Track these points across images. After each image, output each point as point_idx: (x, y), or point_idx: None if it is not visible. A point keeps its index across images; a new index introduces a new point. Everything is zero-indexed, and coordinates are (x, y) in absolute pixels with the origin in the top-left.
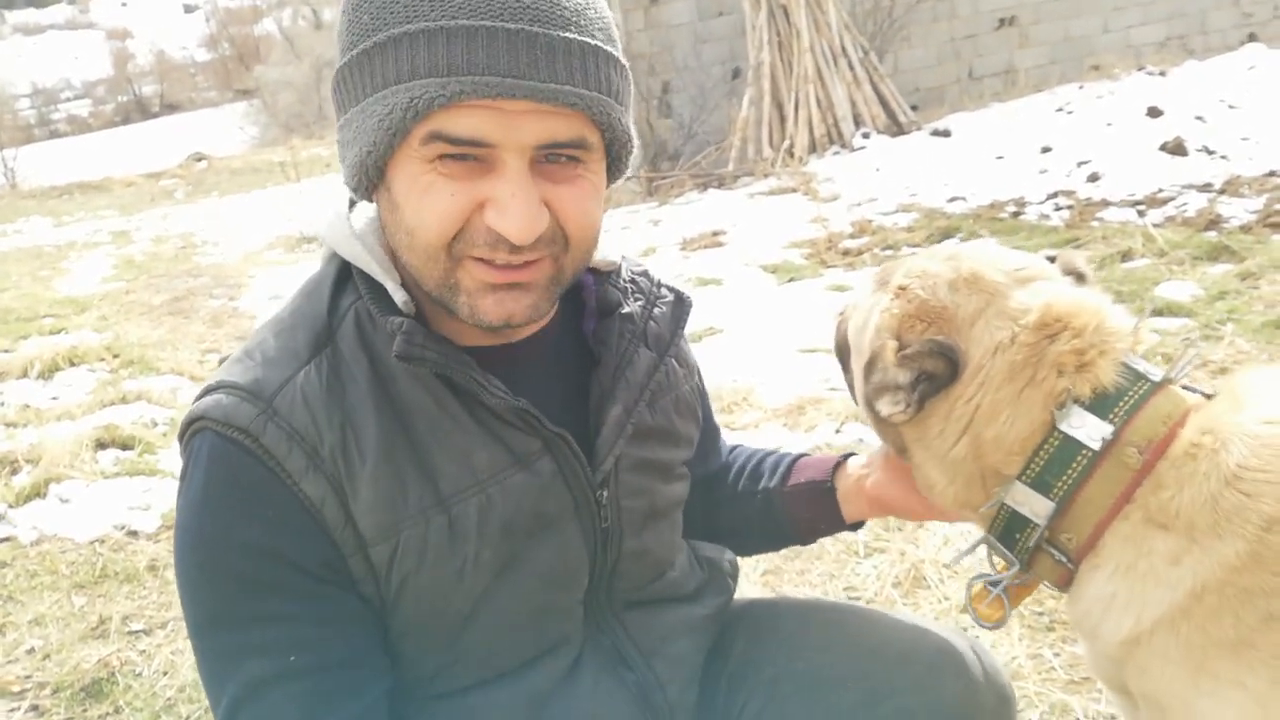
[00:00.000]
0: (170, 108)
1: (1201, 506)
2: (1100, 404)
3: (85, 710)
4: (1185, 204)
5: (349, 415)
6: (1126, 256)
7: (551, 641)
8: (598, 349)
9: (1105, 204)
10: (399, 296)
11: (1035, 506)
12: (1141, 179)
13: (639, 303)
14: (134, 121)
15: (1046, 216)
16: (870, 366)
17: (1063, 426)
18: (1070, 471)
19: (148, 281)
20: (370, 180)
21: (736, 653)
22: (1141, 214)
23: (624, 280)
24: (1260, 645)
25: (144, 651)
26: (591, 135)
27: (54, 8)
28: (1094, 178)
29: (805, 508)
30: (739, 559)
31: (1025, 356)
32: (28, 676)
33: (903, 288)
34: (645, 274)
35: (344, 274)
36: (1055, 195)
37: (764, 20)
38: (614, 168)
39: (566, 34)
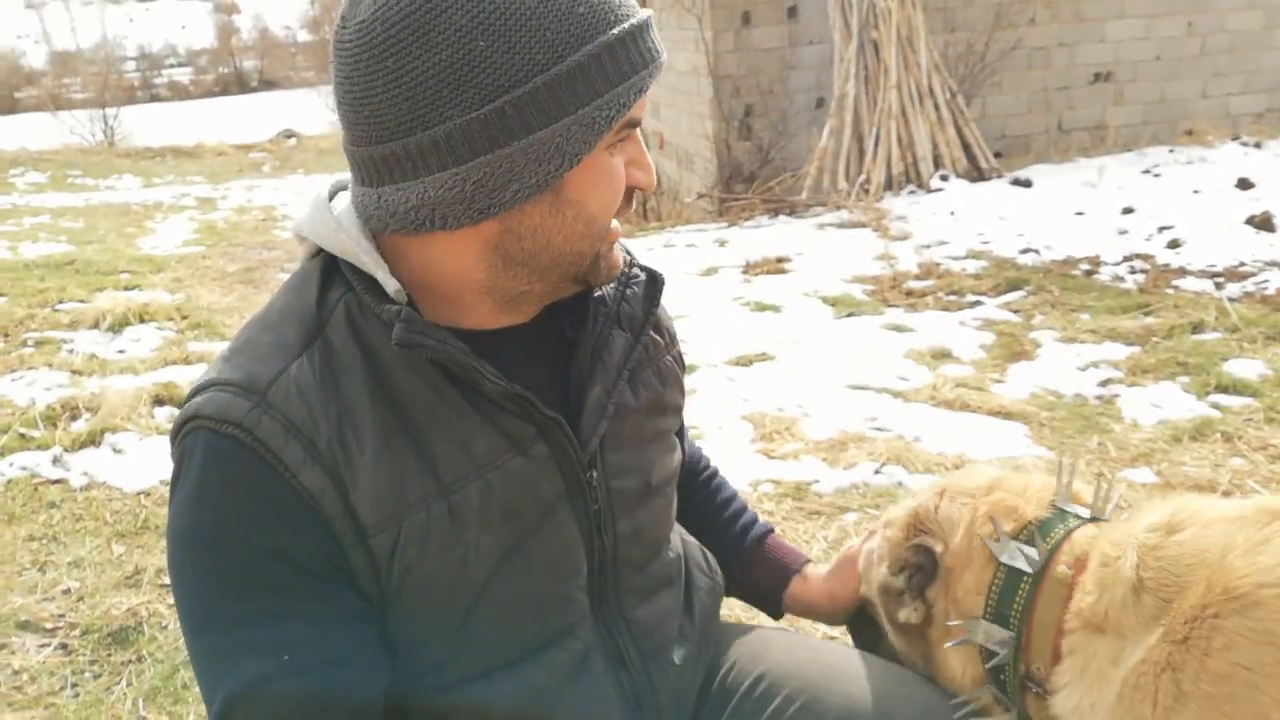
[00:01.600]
0: (268, 83)
1: (1120, 607)
2: (1031, 538)
3: (110, 655)
4: (1266, 281)
5: (345, 405)
6: (1198, 328)
7: (554, 633)
8: (573, 333)
9: (1183, 272)
10: (390, 285)
11: (997, 637)
12: (1223, 251)
13: (610, 286)
14: (232, 93)
15: (1120, 278)
16: (881, 593)
17: (1003, 559)
18: (1018, 598)
19: (225, 249)
20: (514, 205)
21: (726, 674)
22: (1219, 286)
23: None
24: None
25: (172, 605)
26: None
27: None
28: (1174, 244)
29: (759, 571)
30: None
31: (974, 517)
32: (60, 615)
33: (887, 523)
34: None
35: (330, 268)
36: (1132, 258)
37: (853, 53)
38: None
39: (648, 13)
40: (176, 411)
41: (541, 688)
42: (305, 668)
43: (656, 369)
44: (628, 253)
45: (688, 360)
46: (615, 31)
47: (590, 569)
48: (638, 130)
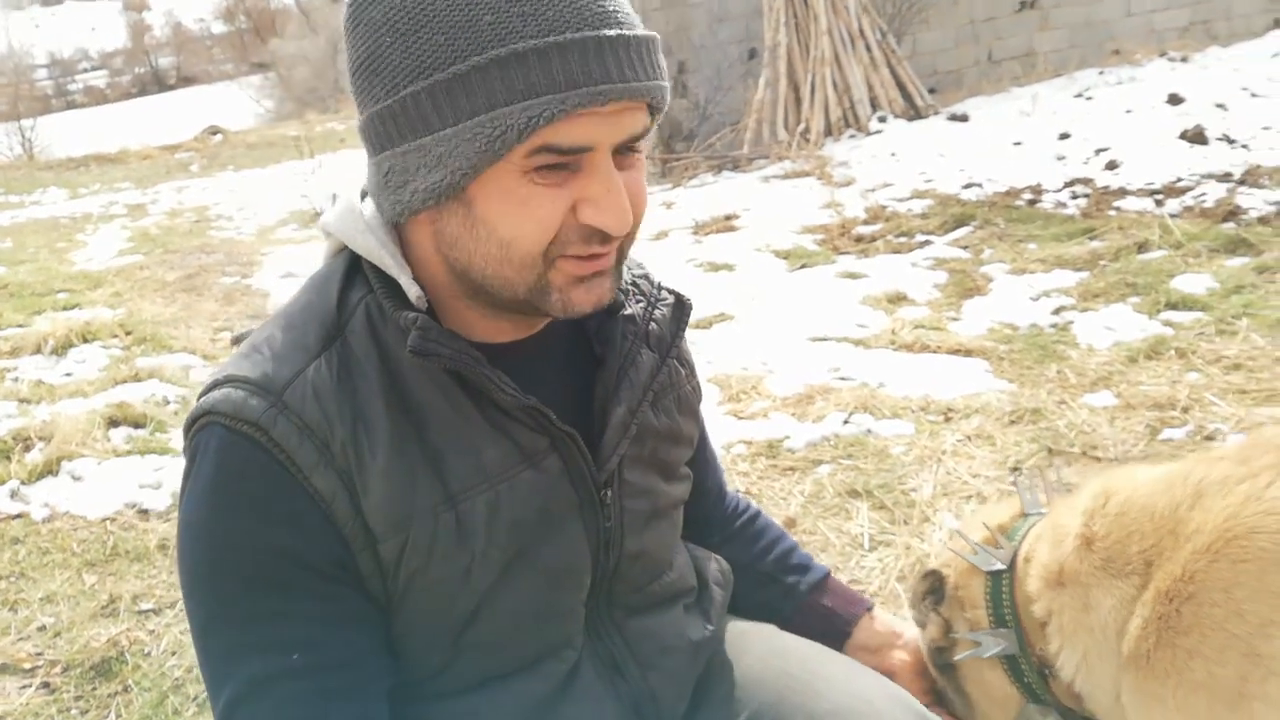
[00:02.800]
0: (186, 80)
1: (1074, 558)
2: (999, 542)
3: (95, 689)
4: (1204, 194)
5: (360, 410)
6: (1143, 248)
7: (553, 644)
8: (601, 349)
9: (1123, 193)
10: (413, 291)
11: (1001, 638)
12: (1160, 168)
13: (640, 304)
14: (150, 93)
15: (1063, 205)
16: (921, 636)
17: (983, 566)
18: (1004, 595)
19: (162, 257)
20: (435, 203)
21: (729, 678)
22: (1160, 203)
23: (626, 282)
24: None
25: (153, 631)
26: (649, 121)
27: None
28: (1112, 165)
29: (816, 622)
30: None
31: (960, 544)
32: (39, 654)
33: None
34: (646, 277)
35: (353, 268)
36: (1073, 183)
37: (780, 1)
38: None
39: (636, 31)
40: (133, 432)
41: (539, 698)
42: (312, 668)
43: (676, 397)
44: (645, 279)
45: None
46: (520, 45)
47: (592, 582)
48: (600, 161)
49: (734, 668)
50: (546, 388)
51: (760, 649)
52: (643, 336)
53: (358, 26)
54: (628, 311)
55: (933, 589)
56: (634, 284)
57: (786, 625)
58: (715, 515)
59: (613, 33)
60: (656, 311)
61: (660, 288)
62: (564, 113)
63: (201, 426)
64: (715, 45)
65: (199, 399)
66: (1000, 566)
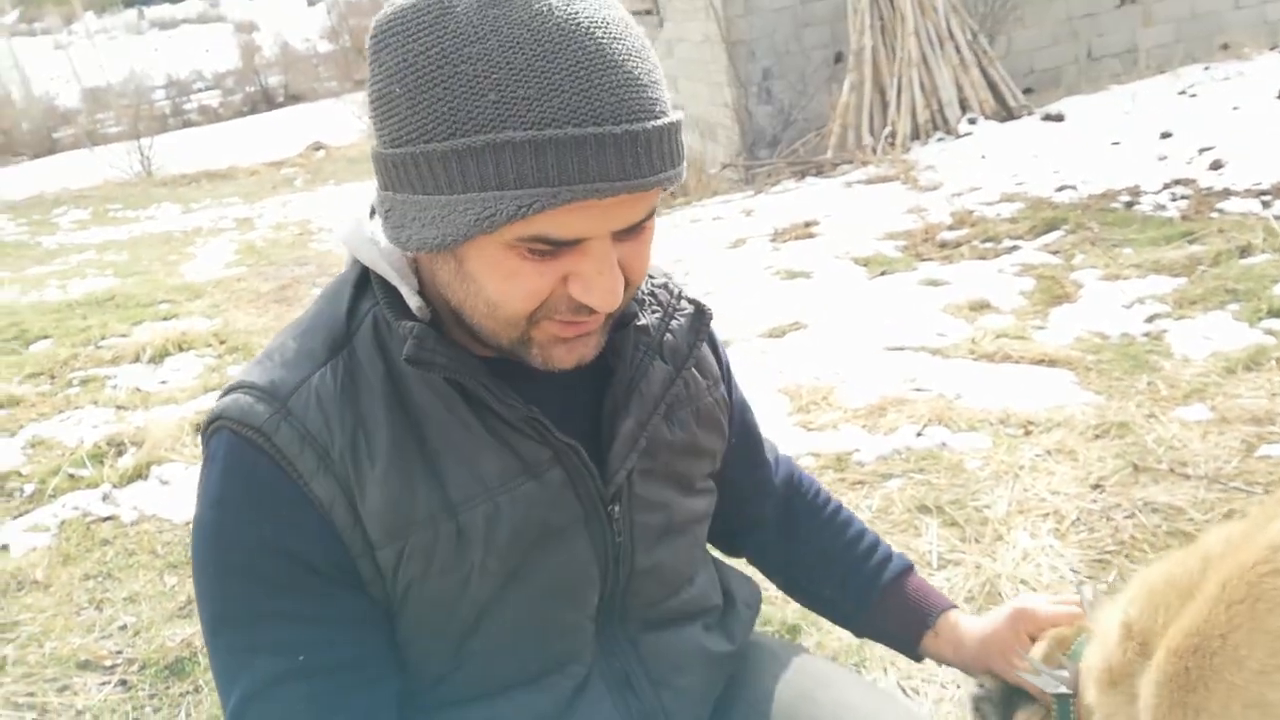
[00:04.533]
0: (294, 98)
1: (1119, 653)
2: (1061, 663)
3: (168, 688)
4: None
5: (361, 418)
6: (1246, 252)
7: (559, 659)
8: (612, 361)
9: (1227, 194)
10: (414, 302)
11: None
12: (1269, 167)
13: (656, 315)
14: (260, 111)
15: (1162, 207)
16: None
17: (1047, 690)
18: (1071, 718)
19: (261, 268)
20: (430, 252)
21: (747, 698)
22: (1266, 205)
23: (643, 292)
24: None
25: None
26: (656, 200)
27: (188, 2)
28: (1216, 165)
29: (890, 620)
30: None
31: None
32: (119, 652)
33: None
34: (665, 286)
35: (365, 278)
36: (1173, 184)
37: (866, 3)
38: None
39: (658, 122)
40: None
41: (543, 712)
42: (319, 669)
43: (695, 409)
44: (665, 288)
45: (721, 336)
46: (517, 135)
47: (600, 598)
48: (597, 245)
49: (753, 688)
50: (555, 399)
51: (780, 670)
52: (656, 348)
53: (374, 62)
54: (641, 322)
55: (1005, 701)
56: (651, 294)
57: (868, 613)
58: (797, 504)
59: (619, 129)
60: (673, 322)
61: (680, 297)
62: (554, 206)
63: (213, 431)
64: (800, 50)
65: (215, 403)
66: (1065, 690)
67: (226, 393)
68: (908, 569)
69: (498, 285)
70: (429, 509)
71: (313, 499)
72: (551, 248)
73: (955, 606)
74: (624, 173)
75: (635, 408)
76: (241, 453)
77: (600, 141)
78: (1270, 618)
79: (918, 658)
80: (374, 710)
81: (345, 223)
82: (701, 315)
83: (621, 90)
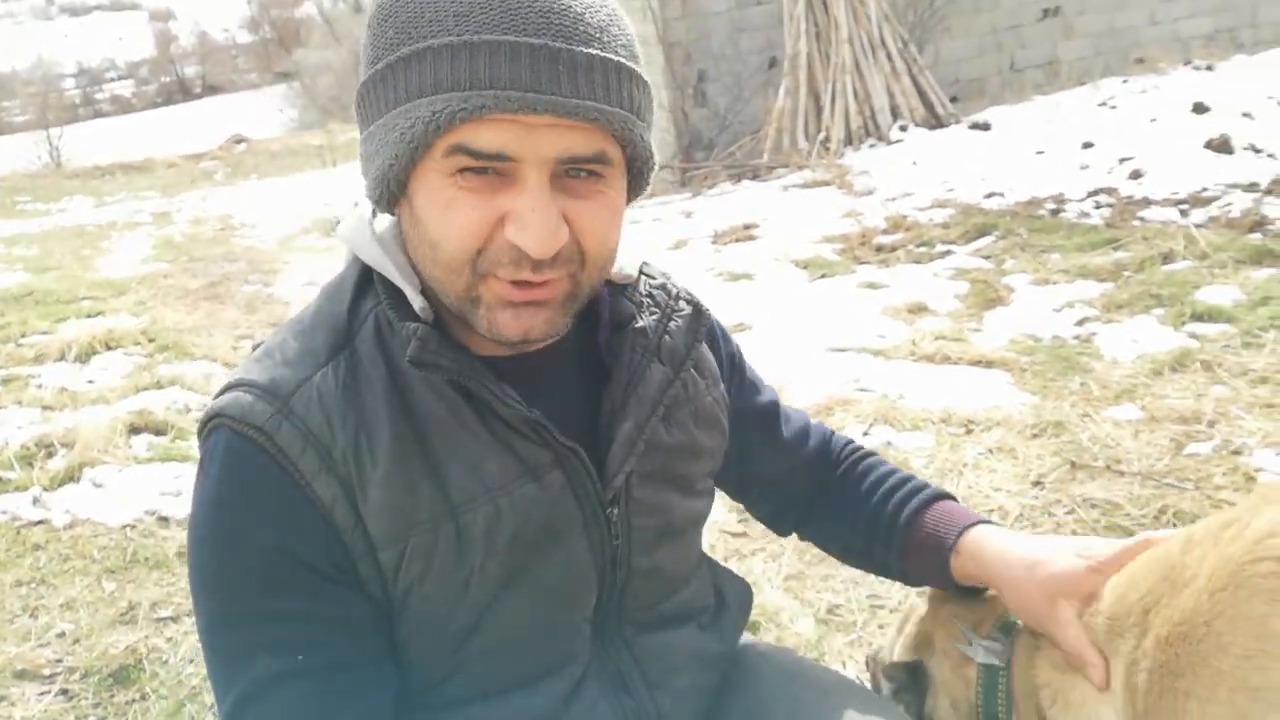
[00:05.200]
0: (212, 89)
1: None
2: (995, 634)
3: (113, 696)
4: (1230, 204)
5: (363, 418)
6: (1168, 258)
7: (556, 660)
8: (609, 363)
9: (1147, 202)
10: (417, 303)
11: None
12: (1185, 177)
13: (653, 316)
14: (176, 102)
15: (1087, 215)
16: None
17: (977, 659)
18: (1000, 690)
19: (185, 265)
20: (392, 193)
21: (743, 701)
22: (1184, 213)
23: (640, 293)
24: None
25: (171, 639)
26: (613, 150)
27: None
28: (1136, 175)
29: (923, 555)
30: (759, 572)
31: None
32: (58, 660)
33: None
34: (663, 287)
35: (366, 276)
36: (1096, 193)
37: (801, 10)
38: (634, 185)
39: (589, 50)
40: (154, 439)
41: (539, 713)
42: (319, 669)
43: (694, 410)
44: (663, 289)
45: None
46: (443, 40)
47: (598, 599)
48: (531, 178)
49: (749, 691)
50: (555, 402)
51: (776, 675)
52: (654, 350)
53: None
54: (639, 324)
55: (914, 682)
56: (649, 295)
57: (904, 558)
58: (828, 472)
59: (554, 43)
60: (671, 324)
61: (678, 298)
62: (466, 112)
63: (212, 429)
64: (735, 54)
65: (213, 400)
66: (999, 664)
67: (225, 390)
68: (932, 500)
69: (436, 220)
70: (430, 510)
71: (314, 500)
72: (482, 169)
73: (985, 521)
74: (538, 85)
75: (633, 410)
76: (242, 452)
77: (514, 49)
78: (1252, 604)
79: (962, 590)
80: (373, 711)
81: (346, 219)
82: (699, 316)
83: (553, 14)
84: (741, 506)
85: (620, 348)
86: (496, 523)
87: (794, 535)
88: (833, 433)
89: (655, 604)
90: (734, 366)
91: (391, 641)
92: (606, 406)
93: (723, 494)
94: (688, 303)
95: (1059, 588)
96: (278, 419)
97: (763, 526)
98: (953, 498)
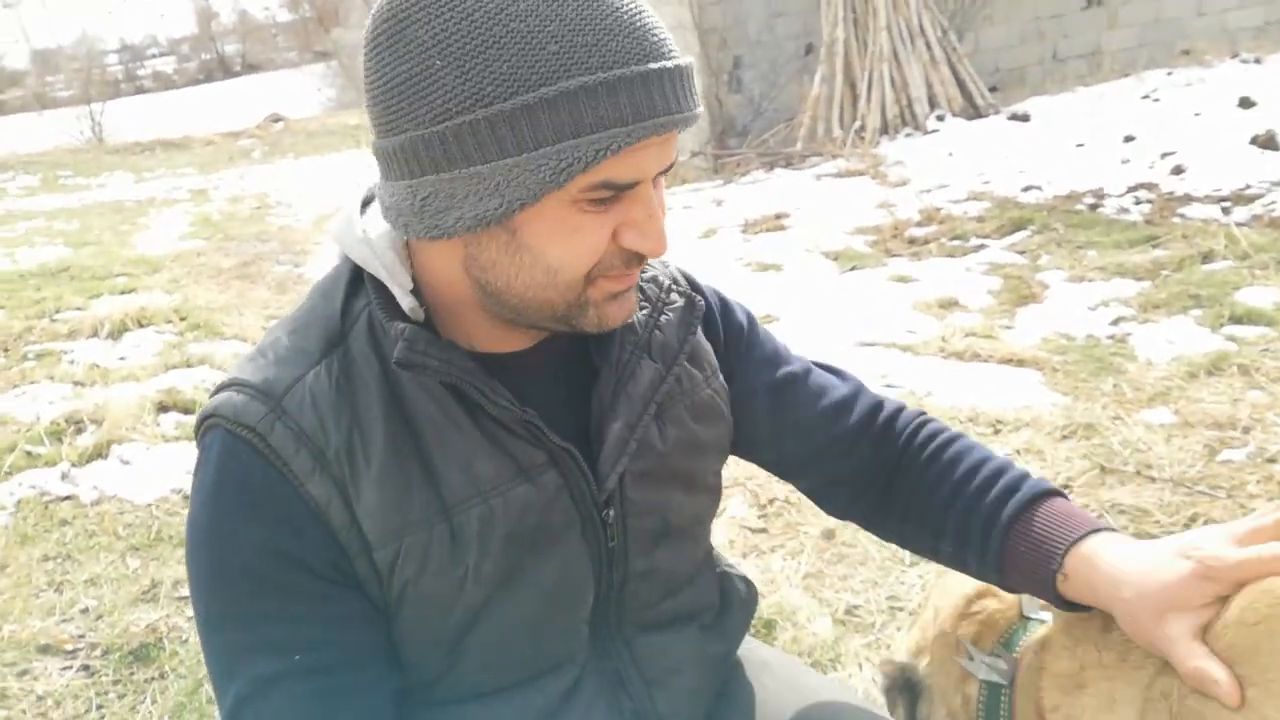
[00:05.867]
0: (251, 67)
1: (1095, 653)
2: (999, 650)
3: (132, 673)
4: (1274, 203)
5: (357, 418)
6: (1207, 258)
7: (553, 661)
8: (597, 361)
9: (1188, 199)
10: (406, 302)
11: None
12: (1228, 174)
13: (644, 311)
14: (216, 79)
15: (1126, 210)
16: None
17: (980, 676)
18: (1002, 710)
19: (220, 243)
20: (474, 229)
21: (744, 704)
22: (1226, 211)
23: None
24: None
25: (191, 618)
26: None
27: None
28: (1178, 170)
29: (1025, 567)
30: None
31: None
32: (80, 636)
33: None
34: (654, 279)
35: (358, 274)
36: (1136, 188)
37: None
38: None
39: (677, 61)
40: (182, 418)
41: (535, 712)
42: (317, 669)
43: (691, 404)
44: (653, 282)
45: None
46: (588, 79)
47: (595, 601)
48: (645, 190)
49: (751, 694)
50: (550, 401)
51: (777, 682)
52: (644, 346)
53: (396, 45)
54: (629, 320)
55: (909, 685)
56: (640, 289)
57: (1000, 567)
58: (887, 451)
59: (669, 64)
60: (662, 318)
61: (670, 290)
62: (630, 145)
63: (207, 429)
64: (772, 40)
65: (208, 400)
66: (1002, 682)
67: (219, 390)
68: (1035, 499)
69: (561, 246)
70: (425, 510)
71: (308, 500)
72: (612, 194)
73: (1096, 530)
74: (679, 106)
75: (622, 410)
76: (236, 452)
77: (659, 77)
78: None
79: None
80: (373, 710)
81: (337, 219)
82: (692, 308)
83: (656, 31)
84: (761, 503)
85: (608, 345)
86: (490, 523)
87: (817, 534)
88: (902, 406)
89: (655, 604)
90: (742, 337)
91: (390, 641)
92: (595, 406)
93: (745, 488)
94: (680, 294)
95: (1167, 602)
96: (270, 419)
97: (782, 523)
98: (1060, 493)
